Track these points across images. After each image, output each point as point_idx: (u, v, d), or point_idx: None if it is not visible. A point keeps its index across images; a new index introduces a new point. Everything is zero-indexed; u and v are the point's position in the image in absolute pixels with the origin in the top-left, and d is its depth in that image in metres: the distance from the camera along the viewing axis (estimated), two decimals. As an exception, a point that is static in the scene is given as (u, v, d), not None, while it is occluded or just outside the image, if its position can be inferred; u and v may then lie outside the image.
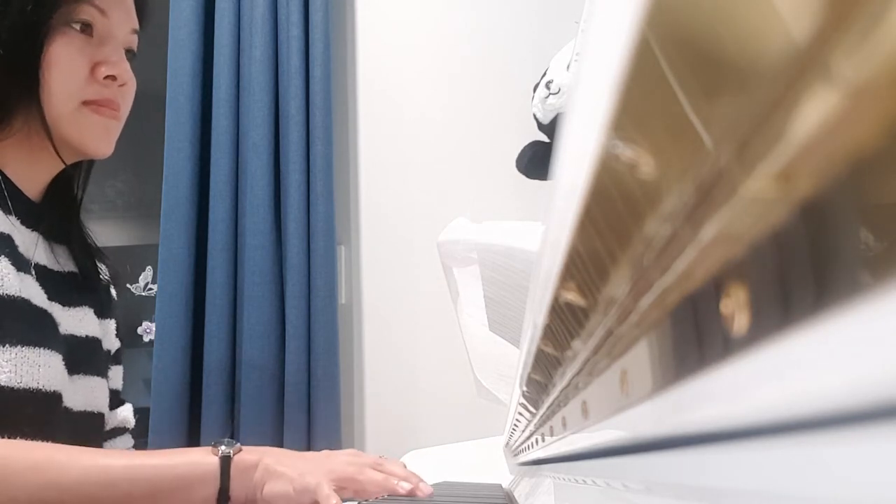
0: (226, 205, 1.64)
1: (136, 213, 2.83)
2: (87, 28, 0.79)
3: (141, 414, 0.99)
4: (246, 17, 1.68)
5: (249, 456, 0.73)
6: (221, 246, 1.63)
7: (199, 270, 1.65)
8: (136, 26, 0.86)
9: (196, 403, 1.59)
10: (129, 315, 2.21)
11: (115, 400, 0.94)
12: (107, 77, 0.80)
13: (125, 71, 0.82)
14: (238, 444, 0.74)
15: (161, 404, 1.57)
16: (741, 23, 0.13)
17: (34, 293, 0.76)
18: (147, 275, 2.26)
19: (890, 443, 0.10)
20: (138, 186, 2.84)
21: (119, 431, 0.95)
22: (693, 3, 0.15)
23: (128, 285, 2.24)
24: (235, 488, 0.71)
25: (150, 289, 2.21)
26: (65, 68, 0.78)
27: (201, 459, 0.71)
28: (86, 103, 0.80)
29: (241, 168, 1.66)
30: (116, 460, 0.70)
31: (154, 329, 1.66)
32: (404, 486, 0.73)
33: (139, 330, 2.17)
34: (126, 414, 0.96)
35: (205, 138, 1.68)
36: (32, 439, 0.73)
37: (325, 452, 0.79)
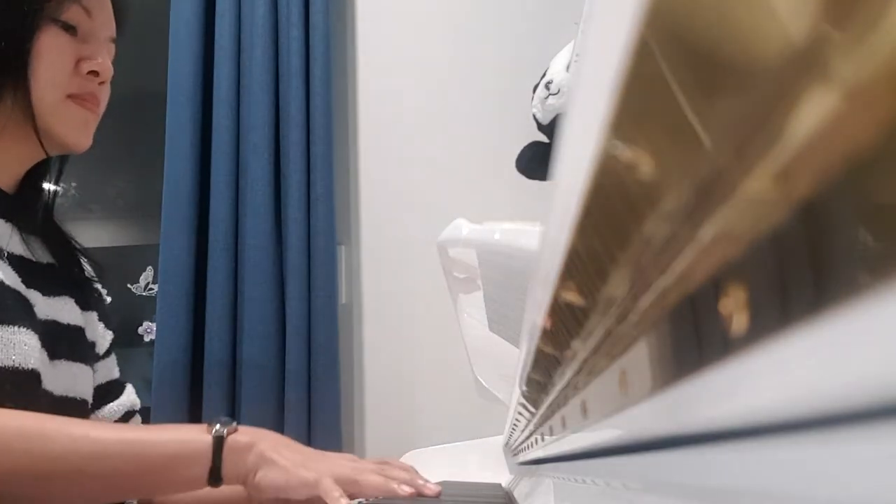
0: (226, 205, 1.64)
1: (137, 213, 2.83)
2: (70, 29, 0.82)
3: (142, 414, 0.99)
4: (246, 17, 1.68)
5: (244, 437, 0.71)
6: (222, 246, 1.62)
7: (200, 270, 1.64)
8: (114, 35, 0.89)
9: (196, 403, 1.59)
10: (129, 315, 2.20)
11: (117, 387, 0.95)
12: (90, 72, 0.83)
13: (107, 68, 0.85)
14: (235, 424, 0.72)
15: (161, 404, 1.57)
16: (740, 23, 0.13)
17: (6, 274, 0.76)
18: (147, 275, 2.25)
19: (889, 443, 0.10)
20: (139, 186, 2.84)
21: (131, 415, 0.96)
22: (692, 4, 0.15)
23: (128, 285, 2.24)
24: (227, 469, 0.70)
25: (151, 289, 2.20)
26: (52, 60, 0.80)
27: (194, 437, 0.70)
28: (70, 96, 0.83)
29: (242, 168, 1.66)
30: (107, 433, 0.69)
31: (154, 329, 1.65)
32: (405, 490, 0.70)
33: (140, 330, 2.16)
34: (132, 396, 0.97)
35: (205, 138, 1.68)
36: None
37: (321, 451, 0.77)
